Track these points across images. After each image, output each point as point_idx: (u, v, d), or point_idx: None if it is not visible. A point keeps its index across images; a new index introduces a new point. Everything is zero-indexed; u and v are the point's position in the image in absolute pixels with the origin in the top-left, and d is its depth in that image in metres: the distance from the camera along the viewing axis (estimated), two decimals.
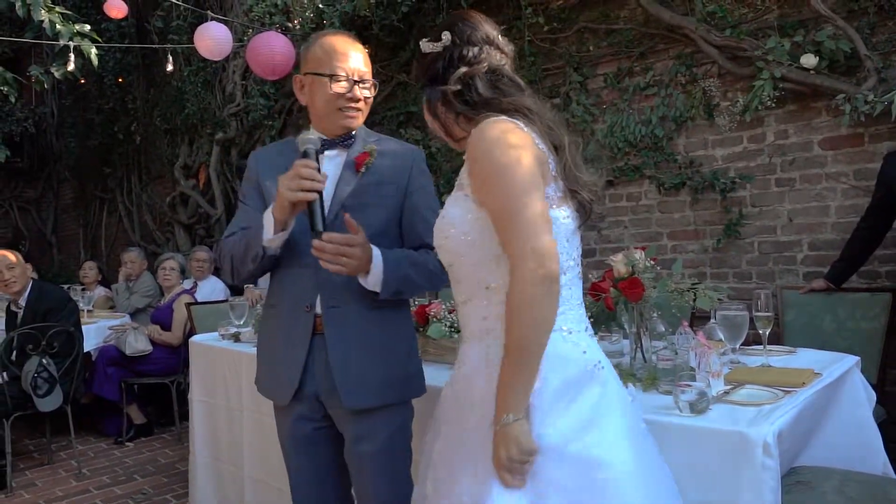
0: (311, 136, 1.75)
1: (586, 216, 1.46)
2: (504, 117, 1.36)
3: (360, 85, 1.86)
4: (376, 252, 1.74)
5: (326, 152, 1.88)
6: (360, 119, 1.90)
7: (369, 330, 1.82)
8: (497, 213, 1.30)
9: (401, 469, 1.88)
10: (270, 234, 1.74)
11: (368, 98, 1.90)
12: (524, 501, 1.25)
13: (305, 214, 1.70)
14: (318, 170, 1.69)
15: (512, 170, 1.28)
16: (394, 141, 2.00)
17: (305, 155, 1.72)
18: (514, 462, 1.24)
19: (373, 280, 1.75)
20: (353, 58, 1.85)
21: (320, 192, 1.67)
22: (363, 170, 1.86)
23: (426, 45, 1.48)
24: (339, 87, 1.83)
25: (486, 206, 1.33)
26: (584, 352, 1.38)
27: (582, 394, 1.34)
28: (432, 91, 1.48)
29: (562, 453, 1.28)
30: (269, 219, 1.74)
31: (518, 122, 1.36)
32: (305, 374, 1.84)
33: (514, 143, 1.31)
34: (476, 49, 1.45)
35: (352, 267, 1.69)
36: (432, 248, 1.74)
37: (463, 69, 1.43)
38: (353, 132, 1.92)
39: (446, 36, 1.45)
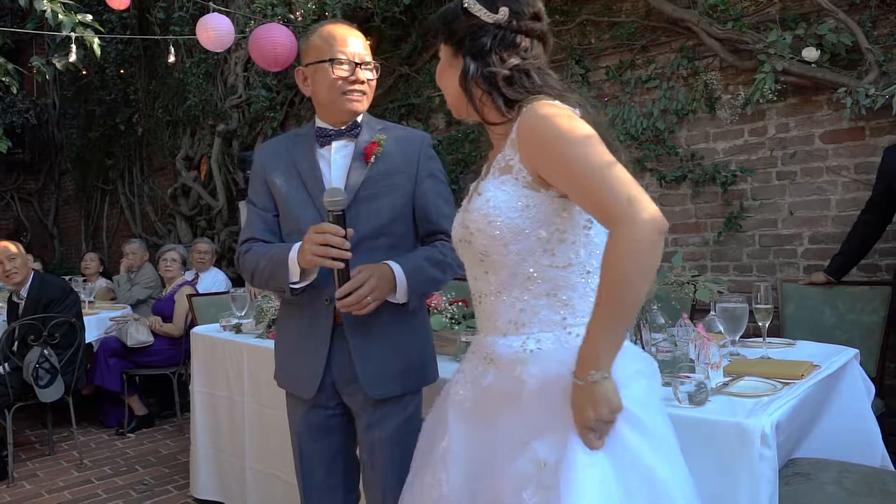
0: (338, 197, 1.67)
1: None
2: (557, 101, 1.29)
3: (362, 67, 1.84)
4: (397, 269, 1.75)
5: (334, 143, 1.88)
6: (364, 103, 1.88)
7: (387, 320, 1.82)
8: (578, 179, 1.19)
9: (409, 457, 1.84)
10: (296, 278, 1.76)
11: (371, 80, 1.88)
12: (606, 463, 1.18)
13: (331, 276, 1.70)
14: (345, 235, 1.65)
15: (582, 133, 1.21)
16: (399, 128, 1.98)
17: (331, 215, 1.67)
18: (601, 422, 1.18)
19: (400, 295, 1.77)
20: (353, 42, 1.84)
21: (346, 261, 1.66)
22: (373, 160, 1.84)
23: (476, 8, 1.34)
24: (341, 70, 1.81)
25: (557, 180, 1.24)
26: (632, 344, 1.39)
27: (638, 379, 1.29)
28: (475, 65, 1.35)
29: (637, 419, 1.22)
30: (294, 265, 1.74)
31: (575, 110, 1.29)
32: (326, 365, 1.85)
33: (575, 117, 1.26)
34: (529, 42, 1.36)
35: (379, 297, 1.71)
36: (447, 237, 1.76)
37: (515, 60, 1.34)
38: (359, 120, 1.90)
39: (504, 12, 1.33)
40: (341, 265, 1.65)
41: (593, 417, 1.17)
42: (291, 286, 1.76)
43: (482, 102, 1.38)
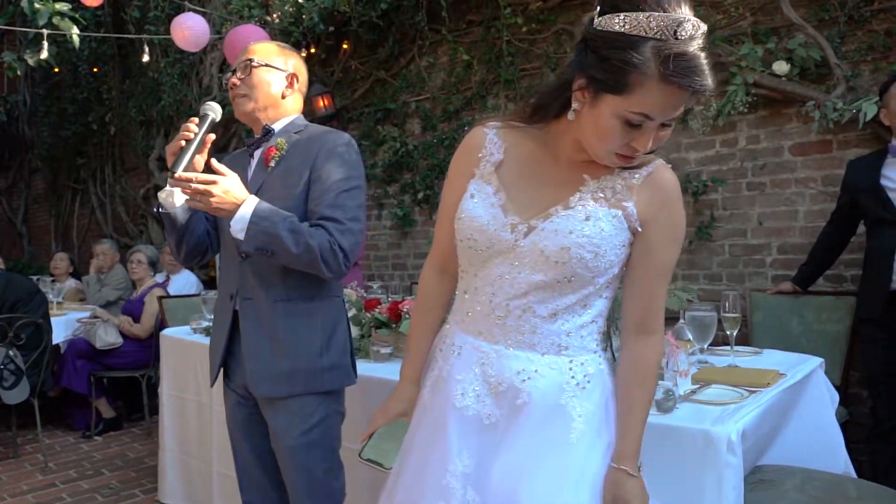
0: (208, 106, 1.81)
1: None
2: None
3: (236, 71, 1.96)
4: (250, 205, 1.74)
5: (256, 151, 2.00)
6: (245, 102, 1.96)
7: (276, 321, 1.87)
8: (662, 268, 1.33)
9: (316, 465, 1.92)
10: (165, 187, 1.86)
11: (244, 77, 1.95)
12: None
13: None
14: (200, 126, 1.75)
15: (683, 235, 1.36)
16: (322, 130, 1.98)
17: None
18: None
19: (237, 224, 1.74)
20: (237, 59, 2.00)
21: (192, 141, 1.72)
22: (272, 164, 1.93)
23: None
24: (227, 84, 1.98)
25: (654, 253, 1.31)
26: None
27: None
28: None
29: None
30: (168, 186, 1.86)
31: None
32: (232, 362, 1.98)
33: None
34: None
35: (209, 204, 1.70)
36: (332, 221, 1.80)
37: None
38: (274, 126, 1.99)
39: None
40: (182, 143, 1.72)
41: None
42: (161, 201, 1.88)
43: None
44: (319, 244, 1.77)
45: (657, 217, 1.29)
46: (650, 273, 1.32)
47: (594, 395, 1.33)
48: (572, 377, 1.32)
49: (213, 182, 1.69)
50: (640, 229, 1.29)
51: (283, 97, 2.00)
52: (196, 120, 1.76)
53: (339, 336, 1.97)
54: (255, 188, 1.88)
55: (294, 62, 2.03)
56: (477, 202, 1.35)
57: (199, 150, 1.76)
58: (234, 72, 1.96)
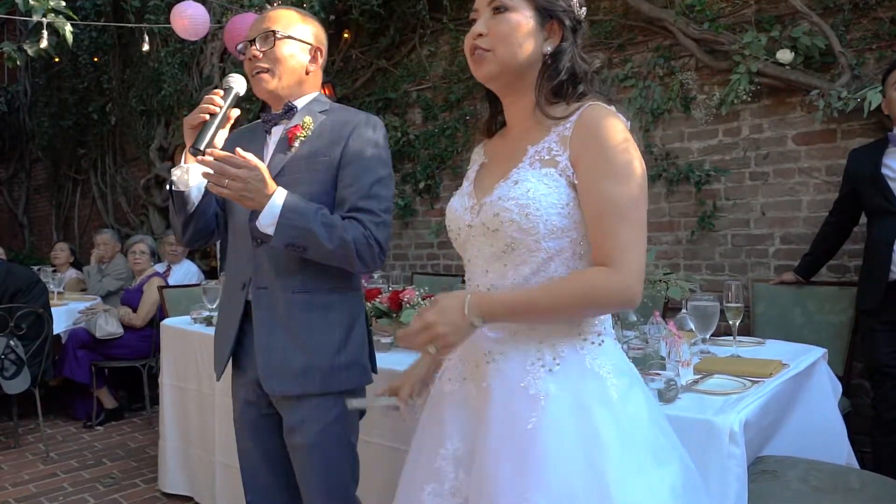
0: (232, 78, 1.70)
1: None
2: (612, 108, 1.29)
3: (255, 41, 1.79)
4: (280, 196, 1.64)
5: (274, 129, 1.87)
6: (268, 79, 1.80)
7: (293, 314, 1.76)
8: (607, 204, 1.21)
9: (335, 463, 1.81)
10: (181, 164, 1.77)
11: (267, 50, 1.78)
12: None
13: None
14: (224, 100, 1.65)
15: (638, 167, 1.23)
16: (348, 111, 1.87)
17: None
18: (436, 338, 1.20)
19: (266, 219, 1.63)
20: (254, 27, 1.83)
21: (217, 116, 1.63)
22: (296, 144, 1.79)
23: None
24: (245, 55, 1.83)
25: (590, 191, 1.23)
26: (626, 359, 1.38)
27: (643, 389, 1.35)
28: (569, 43, 1.35)
29: (653, 419, 1.29)
30: (182, 161, 1.78)
31: (627, 122, 1.29)
32: (243, 355, 1.86)
33: (632, 139, 1.26)
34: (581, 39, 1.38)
35: (237, 191, 1.58)
36: (367, 213, 1.71)
37: (575, 52, 1.35)
38: (295, 103, 1.85)
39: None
40: (206, 117, 1.63)
41: (435, 333, 1.19)
42: (173, 180, 1.76)
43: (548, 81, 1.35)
44: (355, 238, 1.68)
45: (585, 153, 1.25)
46: (595, 210, 1.23)
47: (566, 380, 1.25)
48: (538, 359, 1.27)
49: (245, 167, 1.57)
50: (575, 181, 1.25)
51: (307, 73, 1.85)
52: (220, 92, 1.64)
53: (357, 332, 1.85)
54: (276, 169, 1.75)
55: (316, 32, 1.87)
56: (455, 197, 1.43)
57: (222, 126, 1.65)
58: (251, 42, 1.78)
